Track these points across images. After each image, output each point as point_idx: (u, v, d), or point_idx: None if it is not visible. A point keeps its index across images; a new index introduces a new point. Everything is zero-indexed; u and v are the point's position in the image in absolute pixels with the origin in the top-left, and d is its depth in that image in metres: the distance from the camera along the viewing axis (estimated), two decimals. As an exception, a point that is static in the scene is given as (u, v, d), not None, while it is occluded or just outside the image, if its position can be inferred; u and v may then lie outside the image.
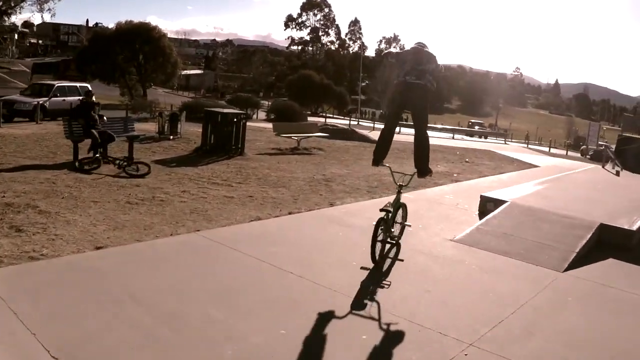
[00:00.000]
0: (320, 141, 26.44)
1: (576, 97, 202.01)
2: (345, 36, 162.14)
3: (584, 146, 58.44)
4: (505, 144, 50.43)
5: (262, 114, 54.61)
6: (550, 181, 16.56)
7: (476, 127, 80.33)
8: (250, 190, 13.54)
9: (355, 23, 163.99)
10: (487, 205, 12.44)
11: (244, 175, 15.67)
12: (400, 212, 9.08)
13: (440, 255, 9.36)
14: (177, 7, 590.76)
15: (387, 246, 8.84)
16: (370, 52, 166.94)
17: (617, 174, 20.88)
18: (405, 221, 9.43)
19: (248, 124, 21.43)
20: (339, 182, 15.59)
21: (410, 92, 8.46)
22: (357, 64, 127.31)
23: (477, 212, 12.57)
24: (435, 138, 47.03)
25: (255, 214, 11.18)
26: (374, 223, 8.25)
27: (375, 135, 42.41)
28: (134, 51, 57.77)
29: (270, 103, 65.76)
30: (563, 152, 53.01)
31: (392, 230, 8.78)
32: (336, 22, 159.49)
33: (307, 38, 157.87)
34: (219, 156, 18.64)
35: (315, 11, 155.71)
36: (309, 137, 24.79)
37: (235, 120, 19.84)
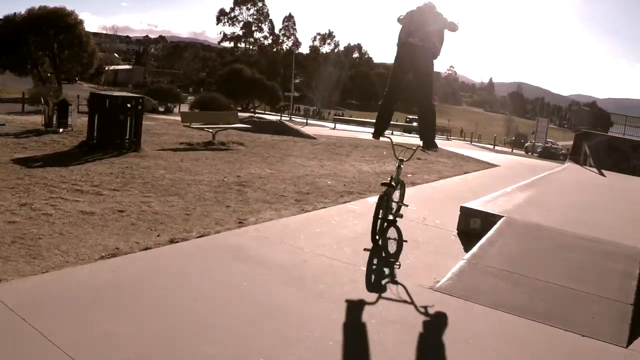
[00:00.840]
0: (242, 135, 22.21)
1: (510, 96, 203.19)
2: (279, 32, 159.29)
3: (528, 143, 56.12)
4: (448, 140, 46.84)
5: (187, 109, 49.45)
6: (536, 184, 12.85)
7: (414, 124, 76.71)
8: (125, 201, 9.22)
9: (289, 18, 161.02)
10: (470, 221, 8.57)
11: (126, 178, 11.28)
12: (398, 190, 8.22)
13: (417, 325, 5.33)
14: (111, 4, 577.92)
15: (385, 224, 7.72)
16: (305, 49, 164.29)
17: (601, 173, 17.42)
18: (403, 200, 8.47)
19: (164, 117, 17.47)
20: (258, 186, 11.38)
21: (413, 55, 7.77)
22: (290, 60, 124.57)
23: (455, 232, 8.72)
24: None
25: (114, 243, 6.97)
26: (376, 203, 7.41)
27: (309, 130, 39.19)
28: (47, 39, 52.56)
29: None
30: (507, 149, 50.21)
31: (393, 207, 8.04)
32: (270, 17, 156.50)
33: (240, 33, 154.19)
34: (106, 153, 14.20)
35: (249, 5, 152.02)
36: (227, 129, 20.35)
37: (128, 106, 15.30)
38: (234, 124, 20.81)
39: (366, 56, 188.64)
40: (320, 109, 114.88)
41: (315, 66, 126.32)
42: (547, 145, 45.71)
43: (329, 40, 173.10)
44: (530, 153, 48.45)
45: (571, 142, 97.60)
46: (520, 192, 11.12)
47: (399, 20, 8.20)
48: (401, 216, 8.26)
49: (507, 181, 14.90)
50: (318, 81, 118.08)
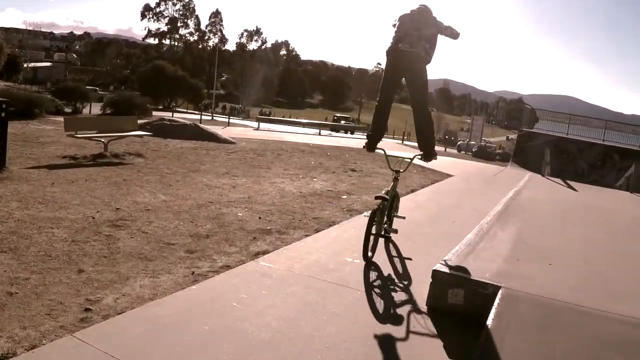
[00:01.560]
0: (147, 142, 18.90)
1: (437, 92, 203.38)
2: (206, 28, 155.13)
3: (461, 141, 54.12)
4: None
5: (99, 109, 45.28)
6: (512, 212, 9.96)
7: (342, 122, 73.65)
8: None
9: (216, 14, 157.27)
10: (448, 293, 5.59)
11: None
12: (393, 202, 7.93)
13: None
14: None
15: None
16: (232, 45, 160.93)
17: (570, 187, 14.90)
18: (397, 212, 8.30)
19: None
20: (139, 226, 8.15)
21: (403, 62, 7.32)
22: (217, 56, 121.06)
23: (425, 307, 5.80)
24: (301, 135, 41.08)
25: None
26: (367, 214, 7.00)
27: (230, 131, 36.00)
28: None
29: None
30: (440, 148, 47.91)
31: (387, 222, 7.70)
32: (196, 13, 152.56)
33: (165, 29, 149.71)
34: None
35: (175, 0, 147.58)
36: (121, 137, 16.72)
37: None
38: (131, 130, 17.11)
39: (294, 53, 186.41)
40: (246, 107, 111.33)
41: (242, 63, 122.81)
42: (482, 144, 43.58)
43: (256, 37, 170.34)
44: (464, 152, 46.26)
45: (501, 139, 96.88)
46: (501, 229, 8.24)
47: (393, 25, 7.67)
48: (396, 231, 7.85)
49: (467, 200, 12.47)
50: (244, 79, 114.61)
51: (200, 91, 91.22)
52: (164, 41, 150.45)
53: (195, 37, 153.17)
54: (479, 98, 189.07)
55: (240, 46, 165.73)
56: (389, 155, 7.90)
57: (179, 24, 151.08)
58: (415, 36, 7.23)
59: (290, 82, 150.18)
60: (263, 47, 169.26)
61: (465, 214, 11.01)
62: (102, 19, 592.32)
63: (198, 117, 53.30)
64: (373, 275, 6.75)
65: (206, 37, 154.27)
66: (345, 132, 56.63)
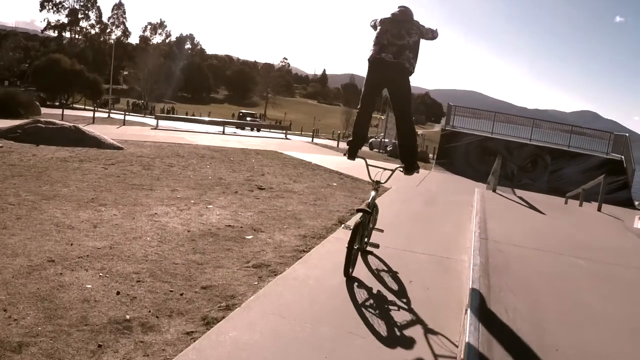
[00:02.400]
0: (11, 152, 15.06)
1: (344, 87, 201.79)
2: (108, 20, 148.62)
3: (373, 138, 51.51)
4: (286, 138, 40.83)
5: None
6: (491, 269, 6.87)
7: (248, 119, 69.47)
8: None
9: (119, 6, 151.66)
10: None
11: None
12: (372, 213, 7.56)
13: None
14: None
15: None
16: (135, 39, 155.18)
17: (533, 207, 12.14)
18: (375, 224, 8.02)
19: None
20: None
21: (386, 72, 6.99)
22: (119, 50, 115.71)
23: None
24: (203, 134, 37.43)
25: None
26: (350, 228, 6.57)
27: (124, 131, 32.14)
28: None
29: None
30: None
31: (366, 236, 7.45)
32: (98, 5, 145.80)
33: (65, 21, 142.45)
34: None
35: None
36: None
37: None
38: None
39: (199, 47, 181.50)
40: (148, 102, 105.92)
41: (145, 57, 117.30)
42: (396, 142, 41.05)
43: (160, 30, 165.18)
44: (377, 150, 43.58)
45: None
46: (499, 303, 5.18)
47: (372, 26, 7.43)
48: (377, 246, 7.42)
49: (419, 241, 9.31)
50: (147, 73, 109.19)
51: (99, 86, 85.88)
52: (64, 34, 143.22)
53: (97, 30, 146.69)
54: (384, 93, 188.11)
55: (144, 39, 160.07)
56: (370, 165, 7.57)
57: (79, 16, 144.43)
58: (398, 45, 6.91)
59: (195, 77, 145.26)
60: (167, 40, 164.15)
61: (423, 280, 8.00)
62: (2, 10, 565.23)
63: (102, 114, 48.91)
64: None
65: (108, 30, 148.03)
66: (252, 130, 53.04)
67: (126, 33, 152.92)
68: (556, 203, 16.45)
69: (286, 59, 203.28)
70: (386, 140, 40.56)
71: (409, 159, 7.36)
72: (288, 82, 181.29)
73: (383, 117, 56.01)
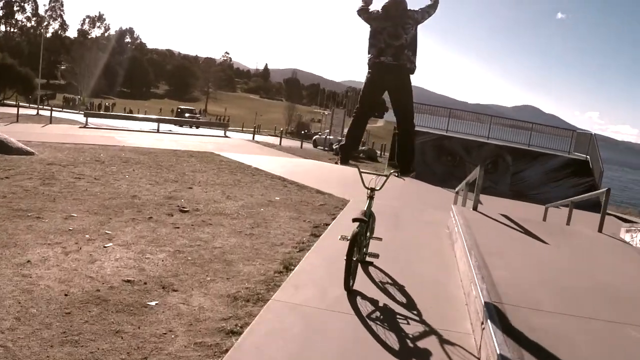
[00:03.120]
0: None
1: (286, 82, 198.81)
2: (45, 13, 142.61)
3: (318, 136, 48.83)
4: (226, 137, 37.77)
5: None
6: None
7: (186, 115, 65.32)
8: None
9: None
10: None
11: None
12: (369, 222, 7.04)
13: None
14: None
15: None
16: (73, 32, 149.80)
17: (535, 236, 9.55)
18: (373, 233, 7.52)
19: None
20: None
21: (388, 75, 6.70)
22: (56, 44, 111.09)
23: None
24: (136, 133, 34.23)
25: None
26: (348, 239, 6.26)
27: (50, 130, 28.90)
28: None
29: None
30: (293, 142, 42.54)
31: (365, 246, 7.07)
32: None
33: (0, 13, 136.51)
34: None
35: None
36: None
37: None
38: None
39: (139, 41, 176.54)
40: (85, 98, 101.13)
41: (81, 51, 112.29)
42: (343, 139, 38.56)
43: (99, 24, 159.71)
44: (321, 147, 40.93)
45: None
46: None
47: (359, 13, 6.94)
48: (377, 256, 6.97)
49: (390, 282, 6.90)
50: (83, 67, 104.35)
51: (32, 81, 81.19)
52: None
53: (33, 23, 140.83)
54: (327, 87, 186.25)
55: (82, 33, 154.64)
56: (364, 172, 7.04)
57: (15, 8, 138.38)
58: (396, 46, 6.57)
59: (135, 72, 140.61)
60: (106, 34, 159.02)
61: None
62: None
63: (32, 111, 45.16)
64: None
65: (45, 23, 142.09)
66: (191, 127, 49.67)
67: (64, 26, 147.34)
68: (546, 222, 14.06)
69: (228, 53, 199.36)
70: (331, 137, 37.80)
71: (405, 162, 6.93)
72: (229, 76, 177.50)
73: (327, 113, 53.28)
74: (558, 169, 24.42)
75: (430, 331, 5.56)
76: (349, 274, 6.34)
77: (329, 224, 10.29)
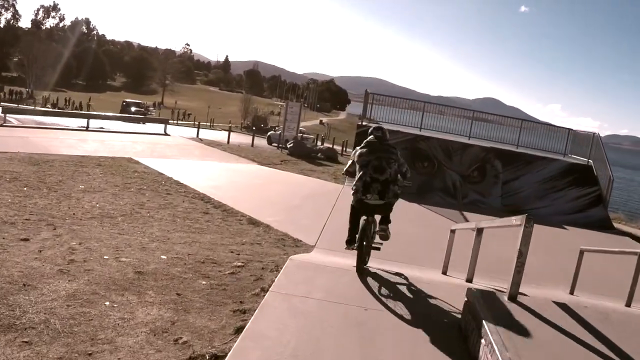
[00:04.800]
0: None
1: (247, 74, 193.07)
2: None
3: (272, 131, 43.83)
4: (166, 134, 32.61)
5: None
6: None
7: (132, 109, 59.20)
8: None
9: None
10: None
11: None
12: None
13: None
14: None
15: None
16: (26, 22, 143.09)
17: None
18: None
19: None
20: None
21: (375, 209, 7.68)
22: (9, 35, 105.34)
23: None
24: (61, 131, 28.88)
25: None
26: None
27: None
28: None
29: None
30: (246, 138, 37.67)
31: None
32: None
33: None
34: None
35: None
36: None
37: None
38: None
39: (95, 31, 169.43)
40: (33, 90, 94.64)
41: (31, 42, 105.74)
42: (299, 137, 33.45)
43: (53, 14, 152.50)
44: (276, 145, 35.93)
45: (314, 123, 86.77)
46: None
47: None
48: (379, 248, 7.93)
49: None
50: (31, 59, 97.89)
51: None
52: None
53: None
54: (289, 79, 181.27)
55: (36, 23, 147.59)
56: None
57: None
58: (381, 181, 7.39)
59: (90, 64, 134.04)
60: (61, 24, 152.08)
61: None
62: None
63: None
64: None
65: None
66: (138, 123, 43.49)
67: (16, 16, 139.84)
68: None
69: (188, 45, 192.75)
70: (287, 134, 33.03)
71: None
72: (188, 68, 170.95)
73: (283, 104, 47.98)
74: (557, 176, 19.28)
75: None
76: (362, 260, 7.62)
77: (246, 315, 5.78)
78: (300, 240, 10.39)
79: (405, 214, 13.70)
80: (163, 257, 7.64)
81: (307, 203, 15.01)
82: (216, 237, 9.65)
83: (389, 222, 7.71)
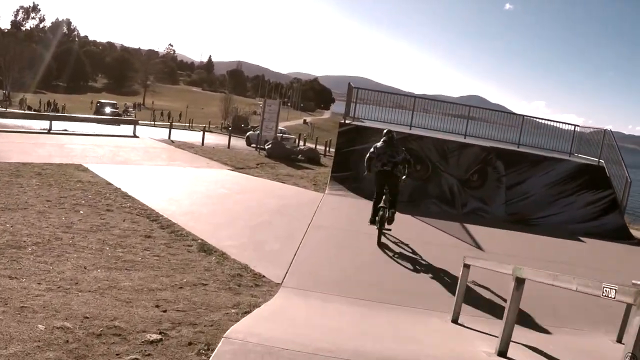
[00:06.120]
0: None
1: (230, 74, 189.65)
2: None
3: (251, 132, 41.04)
4: (135, 136, 29.84)
5: None
6: None
7: (107, 109, 55.77)
8: None
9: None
10: None
11: None
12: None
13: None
14: None
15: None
16: (5, 24, 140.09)
17: None
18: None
19: None
20: None
21: (388, 178, 11.23)
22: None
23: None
24: (19, 134, 26.19)
25: None
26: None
27: None
28: None
29: None
30: (224, 139, 34.98)
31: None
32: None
33: None
34: None
35: None
36: None
37: None
38: None
39: (75, 32, 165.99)
40: (10, 93, 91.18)
41: (6, 42, 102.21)
42: (278, 137, 30.74)
43: (33, 14, 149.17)
44: (254, 145, 33.19)
45: (297, 123, 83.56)
46: None
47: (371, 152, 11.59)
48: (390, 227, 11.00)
49: None
50: (9, 60, 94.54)
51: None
52: None
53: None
54: (273, 79, 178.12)
55: (15, 24, 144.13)
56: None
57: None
58: (393, 162, 11.28)
59: (71, 65, 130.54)
60: (42, 25, 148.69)
61: None
62: None
63: None
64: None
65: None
66: (113, 125, 40.37)
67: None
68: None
69: (172, 45, 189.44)
70: (266, 134, 30.36)
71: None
72: (171, 68, 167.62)
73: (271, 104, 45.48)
74: (566, 179, 16.37)
75: None
76: (381, 236, 10.74)
77: None
78: (263, 277, 7.87)
79: (398, 230, 11.25)
80: (41, 327, 5.01)
81: (278, 219, 12.34)
82: (148, 276, 7.14)
83: (396, 206, 11.05)
